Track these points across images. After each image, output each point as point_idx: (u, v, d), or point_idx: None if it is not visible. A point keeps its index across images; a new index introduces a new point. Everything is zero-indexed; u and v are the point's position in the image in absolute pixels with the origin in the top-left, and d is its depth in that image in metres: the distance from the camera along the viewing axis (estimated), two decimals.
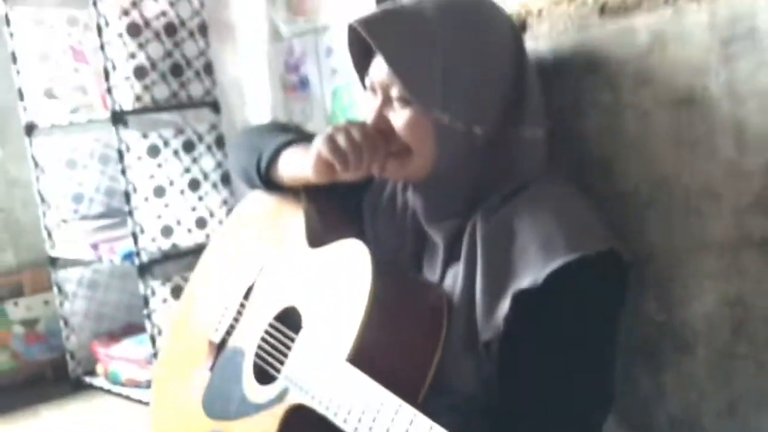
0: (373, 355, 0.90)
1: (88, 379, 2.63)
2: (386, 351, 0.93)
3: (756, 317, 1.03)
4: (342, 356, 0.91)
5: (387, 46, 0.98)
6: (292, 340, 1.04)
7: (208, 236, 2.36)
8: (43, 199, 2.61)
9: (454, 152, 1.01)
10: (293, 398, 0.97)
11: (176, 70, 2.28)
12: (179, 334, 1.37)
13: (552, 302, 0.92)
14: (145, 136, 2.22)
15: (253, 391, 1.08)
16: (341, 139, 1.00)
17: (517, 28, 1.11)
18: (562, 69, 1.21)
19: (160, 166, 2.25)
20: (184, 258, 2.41)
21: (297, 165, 1.12)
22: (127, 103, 2.20)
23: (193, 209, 2.33)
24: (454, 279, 1.02)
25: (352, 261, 1.00)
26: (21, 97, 2.56)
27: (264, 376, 1.07)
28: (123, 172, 2.19)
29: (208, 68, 2.36)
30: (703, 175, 1.05)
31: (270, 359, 1.08)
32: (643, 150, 1.11)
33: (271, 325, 1.11)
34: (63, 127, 2.57)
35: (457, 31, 1.00)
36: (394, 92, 1.01)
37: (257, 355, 1.11)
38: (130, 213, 2.20)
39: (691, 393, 1.11)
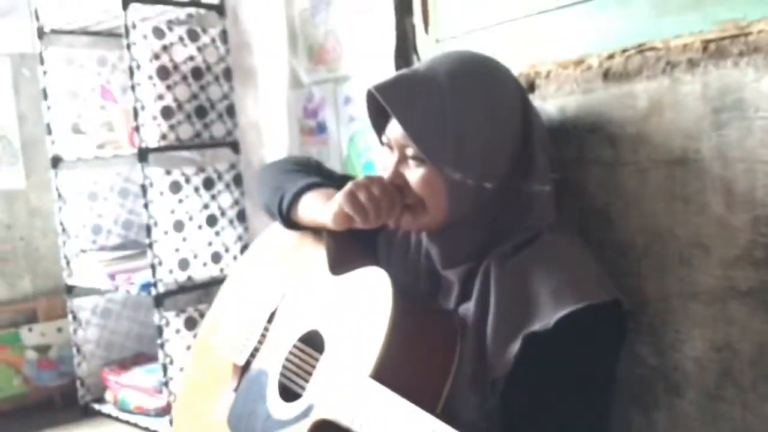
0: (393, 373, 0.96)
1: (96, 406, 2.69)
2: (405, 369, 0.98)
3: (742, 362, 1.11)
4: (365, 373, 0.96)
5: (402, 111, 1.07)
6: (316, 360, 1.11)
7: (222, 270, 2.45)
8: (63, 229, 2.71)
9: (465, 205, 1.10)
10: (318, 414, 1.02)
11: (201, 112, 2.39)
12: (201, 359, 1.44)
13: (559, 345, 0.99)
14: (168, 172, 2.32)
15: (278, 408, 1.13)
16: (362, 196, 1.08)
17: (524, 89, 1.20)
18: (567, 126, 1.31)
19: (180, 201, 2.35)
20: (198, 290, 2.50)
21: (317, 211, 1.19)
22: (153, 141, 2.30)
23: (210, 244, 2.42)
24: (464, 317, 1.10)
25: (373, 285, 1.07)
26: (49, 131, 2.68)
27: (288, 395, 1.14)
28: (146, 206, 2.28)
29: (231, 110, 2.47)
30: (694, 228, 1.14)
31: (295, 378, 1.15)
32: (640, 204, 1.21)
33: (295, 347, 1.18)
34: (87, 161, 2.68)
35: (467, 95, 1.08)
36: (410, 151, 1.10)
37: (282, 375, 1.17)
38: (150, 245, 2.29)
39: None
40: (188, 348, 2.38)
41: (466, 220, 1.11)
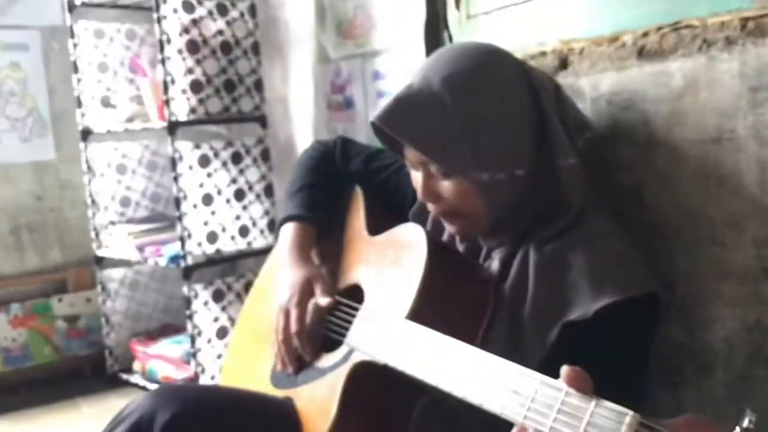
0: (427, 316, 1.01)
1: (124, 376, 2.74)
2: (439, 313, 1.03)
3: None
4: (401, 315, 1.03)
5: (409, 135, 1.08)
6: (357, 310, 1.16)
7: (249, 244, 2.47)
8: (93, 201, 2.74)
9: (503, 200, 1.10)
10: (358, 357, 1.09)
11: (229, 86, 2.40)
12: (245, 326, 1.50)
13: (596, 335, 0.99)
14: (197, 146, 2.34)
15: (320, 358, 1.20)
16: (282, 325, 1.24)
17: (523, 63, 1.17)
18: (601, 105, 1.31)
19: (209, 175, 2.37)
20: (226, 263, 2.53)
21: (281, 260, 1.31)
22: (182, 115, 2.32)
23: (237, 218, 2.44)
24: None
25: (409, 238, 1.13)
26: (79, 104, 2.70)
27: (331, 347, 1.20)
28: (175, 179, 2.31)
29: (259, 85, 2.48)
30: (727, 208, 1.14)
31: (336, 329, 1.19)
32: (673, 183, 1.21)
33: (336, 301, 1.23)
34: (116, 134, 2.70)
35: (467, 95, 1.07)
36: (432, 168, 1.10)
37: (324, 328, 1.23)
38: (180, 218, 2.32)
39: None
40: (215, 320, 2.42)
41: (508, 213, 1.12)
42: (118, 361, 2.81)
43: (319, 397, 1.16)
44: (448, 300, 1.08)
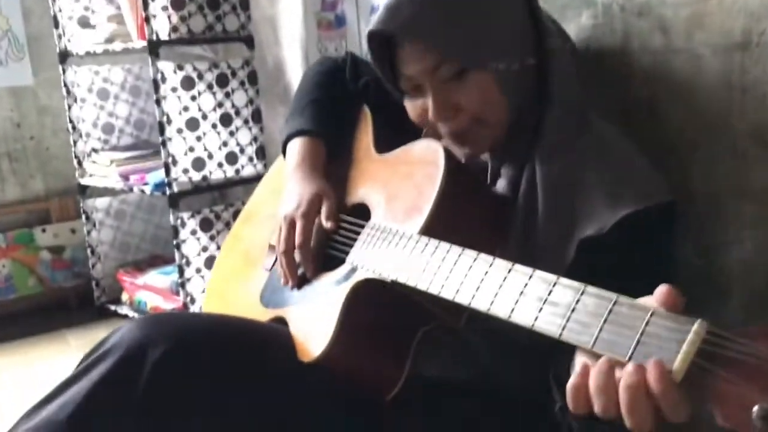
0: (441, 234, 0.93)
1: (112, 307, 2.68)
2: (453, 230, 0.95)
3: None
4: (414, 230, 0.97)
5: (416, 30, 0.99)
6: (362, 227, 1.08)
7: (237, 171, 2.38)
8: (74, 128, 2.63)
9: (519, 94, 1.02)
10: (361, 275, 1.02)
11: (213, 3, 2.27)
12: (233, 248, 1.42)
13: (614, 249, 0.92)
14: (180, 68, 2.22)
15: (319, 277, 1.13)
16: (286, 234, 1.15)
17: None
18: (612, 11, 1.21)
19: (193, 98, 2.26)
20: (214, 191, 2.44)
21: (289, 174, 1.23)
22: (164, 33, 2.20)
23: (225, 144, 2.35)
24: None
25: (425, 154, 1.05)
26: (56, 24, 2.57)
27: (331, 267, 1.12)
28: (158, 102, 2.20)
29: (244, 3, 2.35)
30: (752, 120, 1.05)
31: (339, 247, 1.12)
32: (691, 94, 1.12)
33: (341, 219, 1.15)
34: (96, 56, 2.57)
35: None
36: (444, 72, 1.01)
37: (326, 247, 1.15)
38: (164, 144, 2.22)
39: None
40: (204, 249, 2.34)
41: (522, 114, 1.04)
42: (106, 293, 2.75)
43: (315, 317, 1.09)
44: (462, 219, 1.01)
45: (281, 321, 1.15)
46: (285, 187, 1.23)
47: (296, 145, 1.25)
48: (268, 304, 1.21)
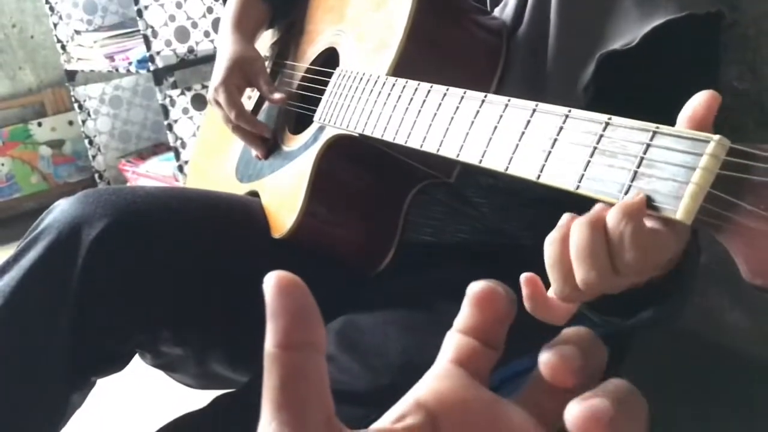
0: (418, 72, 0.75)
1: None
2: (434, 68, 0.80)
3: None
4: (383, 70, 0.80)
5: None
6: (330, 77, 0.92)
7: None
8: (52, 9, 2.43)
9: None
10: (329, 132, 0.87)
11: None
12: (213, 118, 1.28)
13: (645, 67, 0.75)
14: None
15: (288, 141, 1.00)
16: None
17: None
18: None
19: None
20: (203, 64, 2.23)
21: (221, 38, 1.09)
22: None
23: (209, 11, 2.12)
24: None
25: None
26: None
27: (302, 127, 0.99)
28: None
29: None
30: None
31: (308, 104, 0.97)
32: None
33: (307, 71, 1.02)
34: None
35: None
36: None
37: (294, 106, 1.02)
38: (139, 13, 2.00)
39: None
40: (199, 129, 2.17)
41: None
42: (111, 185, 2.62)
43: (285, 186, 0.95)
44: (445, 51, 0.84)
45: (257, 195, 1.01)
46: None
47: (229, 5, 1.10)
48: (242, 178, 1.09)
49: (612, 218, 0.45)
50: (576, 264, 0.46)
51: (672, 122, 0.48)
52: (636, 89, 0.74)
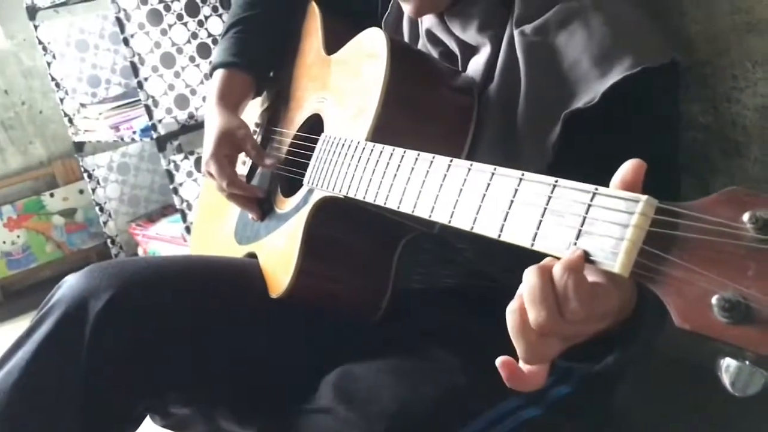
0: (397, 134, 0.80)
1: None
2: (411, 130, 0.85)
3: None
4: (361, 137, 0.84)
5: None
6: (316, 143, 0.97)
7: None
8: (58, 86, 2.52)
9: None
10: (318, 195, 0.91)
11: None
12: (209, 190, 1.34)
13: (609, 123, 0.78)
14: (143, 1, 2.07)
15: (281, 204, 1.05)
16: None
17: None
18: None
19: (164, 32, 2.10)
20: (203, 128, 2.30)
21: (207, 113, 1.14)
22: None
23: (207, 77, 2.20)
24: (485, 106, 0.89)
25: (369, 44, 0.91)
26: None
27: (294, 189, 1.03)
28: (126, 42, 2.05)
29: None
30: None
31: (298, 169, 1.01)
32: None
33: (295, 137, 1.06)
34: (65, 5, 2.43)
35: None
36: None
37: (285, 170, 1.06)
38: (140, 85, 2.09)
39: None
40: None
41: None
42: (123, 249, 2.68)
43: (279, 247, 0.99)
44: (420, 113, 0.88)
45: (255, 256, 1.06)
46: None
47: (213, 81, 1.15)
48: (241, 240, 1.13)
49: (556, 272, 0.50)
50: (528, 306, 0.50)
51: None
52: (603, 146, 0.78)
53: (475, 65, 0.91)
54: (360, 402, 0.79)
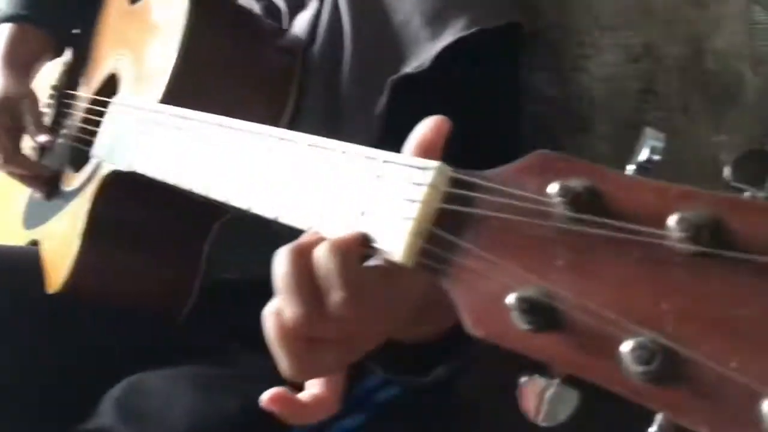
0: (200, 96, 0.71)
1: None
2: (217, 92, 0.75)
3: (668, 69, 0.81)
4: (155, 98, 0.73)
5: None
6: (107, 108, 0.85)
7: None
8: None
9: None
10: (105, 169, 0.78)
11: None
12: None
13: (441, 90, 0.72)
14: None
15: (69, 181, 0.91)
16: None
17: None
18: None
19: None
20: None
21: None
22: None
23: None
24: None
25: None
26: None
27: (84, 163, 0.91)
28: None
29: None
30: None
31: (87, 137, 0.89)
32: None
33: (91, 102, 0.94)
34: None
35: None
36: None
37: (78, 140, 0.93)
38: None
39: None
40: None
41: None
42: None
43: (61, 230, 0.87)
44: (228, 72, 0.78)
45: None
46: None
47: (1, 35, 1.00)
48: (28, 225, 0.99)
49: (318, 254, 0.38)
50: (282, 300, 0.38)
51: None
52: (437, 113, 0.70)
53: (301, 22, 0.83)
54: (147, 420, 0.67)
